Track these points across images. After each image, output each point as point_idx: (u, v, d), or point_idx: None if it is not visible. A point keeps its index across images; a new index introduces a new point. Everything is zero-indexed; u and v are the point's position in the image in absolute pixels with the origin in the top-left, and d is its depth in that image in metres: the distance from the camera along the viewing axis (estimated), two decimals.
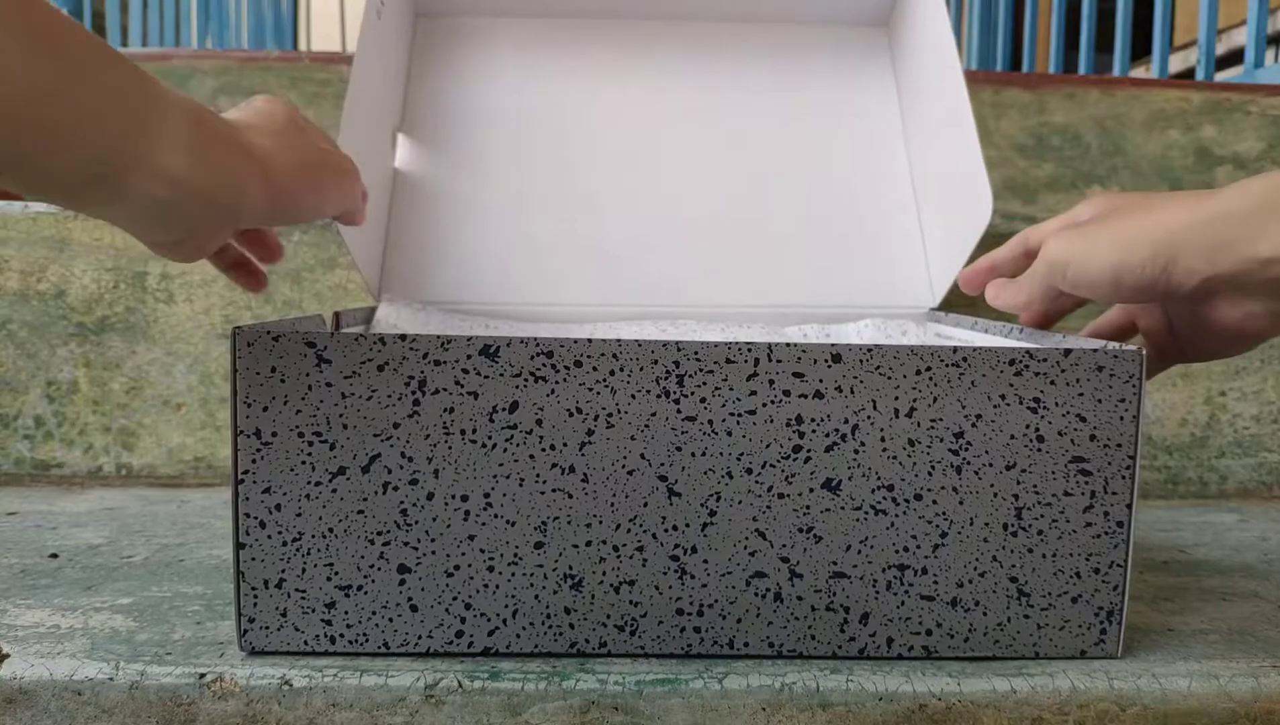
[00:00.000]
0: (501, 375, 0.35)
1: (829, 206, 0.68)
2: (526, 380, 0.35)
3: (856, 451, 0.36)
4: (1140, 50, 1.52)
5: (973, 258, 0.60)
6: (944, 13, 0.64)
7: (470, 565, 0.36)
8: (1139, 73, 1.95)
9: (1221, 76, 1.47)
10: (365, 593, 0.36)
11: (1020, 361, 0.36)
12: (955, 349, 0.36)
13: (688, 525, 0.36)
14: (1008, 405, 0.36)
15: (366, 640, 0.36)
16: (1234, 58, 1.51)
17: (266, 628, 0.36)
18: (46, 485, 0.65)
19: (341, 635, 0.36)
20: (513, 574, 0.36)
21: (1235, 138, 0.98)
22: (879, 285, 0.66)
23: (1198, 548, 0.55)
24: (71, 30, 0.28)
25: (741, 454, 0.36)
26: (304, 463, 0.35)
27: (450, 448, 0.35)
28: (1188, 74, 1.67)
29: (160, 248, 0.34)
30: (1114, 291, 0.38)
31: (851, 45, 0.74)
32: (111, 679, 0.34)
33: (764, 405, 0.35)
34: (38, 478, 0.66)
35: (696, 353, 0.35)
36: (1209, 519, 0.62)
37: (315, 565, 0.36)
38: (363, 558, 0.36)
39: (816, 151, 0.70)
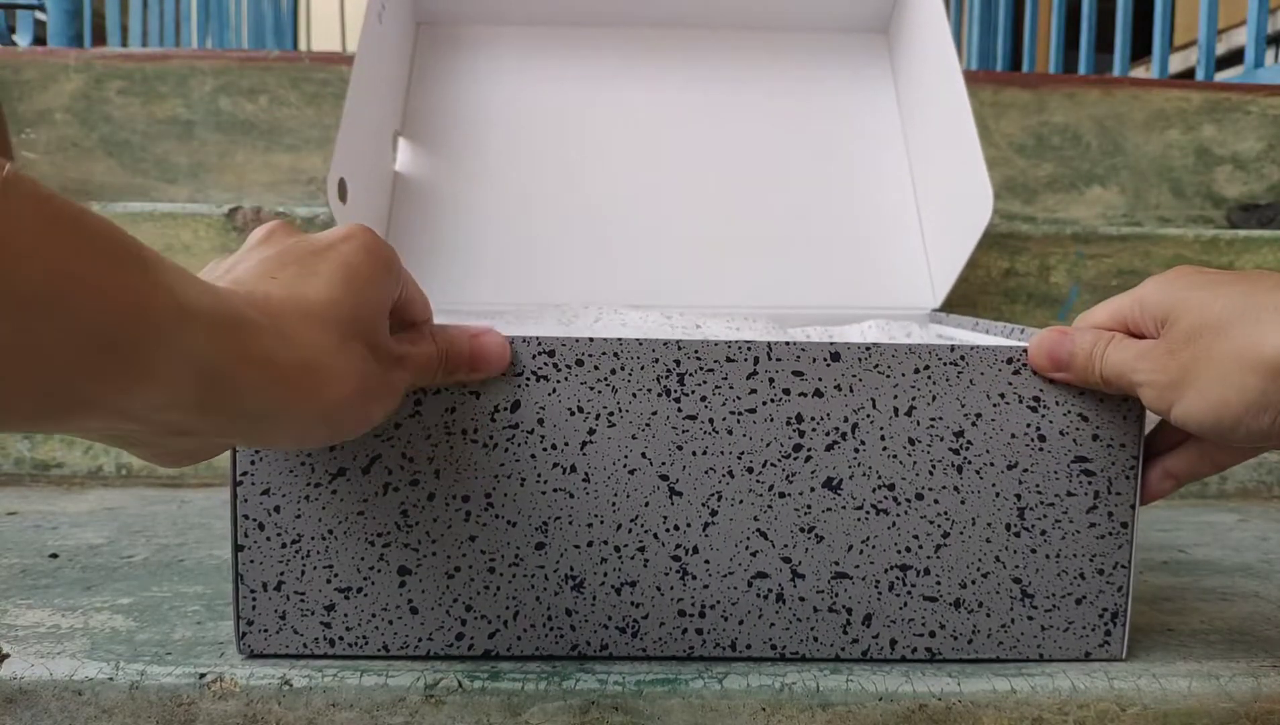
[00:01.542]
0: (503, 374, 0.35)
1: (829, 208, 0.68)
2: (528, 379, 0.35)
3: (857, 450, 0.36)
4: (1140, 50, 1.52)
5: (973, 257, 0.60)
6: (943, 18, 0.64)
7: (471, 567, 0.36)
8: (1139, 73, 1.95)
9: (1221, 76, 1.47)
10: (365, 595, 0.36)
11: (1018, 360, 0.36)
12: (953, 347, 0.36)
13: (689, 525, 0.36)
14: (1007, 404, 0.36)
15: (366, 643, 0.36)
16: (1234, 58, 1.51)
17: (265, 631, 0.36)
18: (46, 485, 0.65)
19: (341, 638, 0.36)
20: (514, 575, 0.36)
21: (1235, 138, 0.98)
22: (880, 286, 0.66)
23: (1198, 548, 0.55)
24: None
25: (742, 453, 0.36)
26: (303, 464, 0.35)
27: (451, 448, 0.35)
28: (1188, 74, 1.67)
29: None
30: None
31: (851, 50, 0.74)
32: (111, 679, 0.34)
33: (764, 403, 0.35)
34: (38, 478, 0.66)
35: (697, 351, 0.35)
36: (1209, 519, 0.62)
37: (315, 567, 0.36)
38: (363, 559, 0.36)
39: (817, 154, 0.70)
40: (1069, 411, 0.36)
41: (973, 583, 0.37)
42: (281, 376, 0.25)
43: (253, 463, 0.35)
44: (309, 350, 0.26)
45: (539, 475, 0.35)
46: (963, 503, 0.36)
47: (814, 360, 0.35)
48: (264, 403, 0.25)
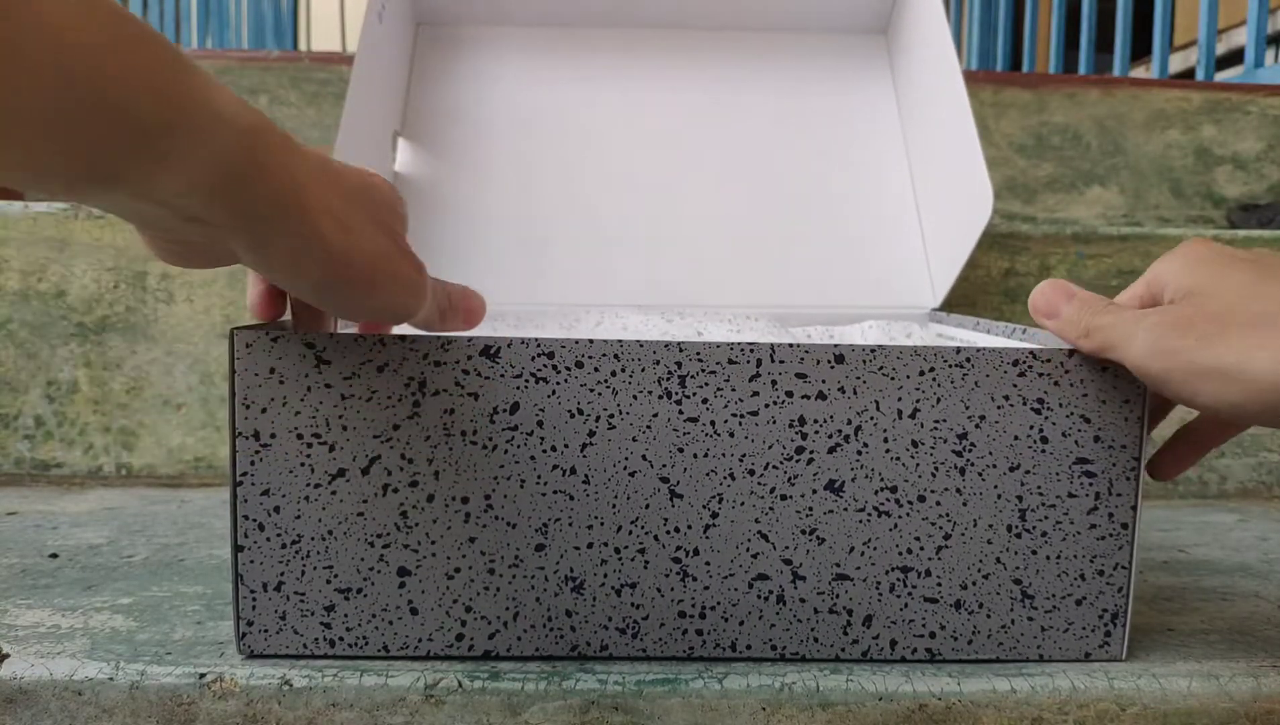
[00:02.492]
0: (502, 376, 0.35)
1: (829, 208, 0.68)
2: (527, 381, 0.35)
3: (860, 453, 0.36)
4: (1140, 50, 1.52)
5: (973, 257, 0.60)
6: (943, 18, 0.64)
7: (471, 568, 0.36)
8: (1139, 73, 1.95)
9: (1221, 76, 1.47)
10: (365, 595, 0.36)
11: (1024, 362, 0.36)
12: (959, 350, 0.35)
13: (689, 527, 0.36)
14: (1011, 406, 0.36)
15: (366, 643, 0.36)
16: (1234, 58, 1.51)
17: (265, 631, 0.36)
18: (46, 485, 0.65)
19: (341, 639, 0.36)
20: (514, 576, 0.36)
21: (1235, 138, 0.98)
22: (880, 286, 0.66)
23: (1198, 548, 0.55)
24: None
25: (744, 455, 0.36)
26: (303, 465, 0.35)
27: (451, 449, 0.35)
28: (1188, 74, 1.67)
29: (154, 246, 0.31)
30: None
31: (851, 52, 0.74)
32: (111, 679, 0.34)
33: (766, 406, 0.35)
34: (38, 478, 0.66)
35: (699, 353, 0.35)
36: (1209, 519, 0.62)
37: (314, 568, 0.35)
38: (362, 560, 0.36)
39: (817, 155, 0.70)
40: (1071, 413, 0.36)
41: (973, 584, 0.37)
42: (291, 184, 0.28)
43: (252, 463, 0.35)
44: (322, 181, 0.30)
45: (539, 477, 0.35)
46: (964, 504, 0.36)
47: (818, 362, 0.35)
48: (271, 206, 0.28)
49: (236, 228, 0.28)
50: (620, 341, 0.35)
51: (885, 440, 0.36)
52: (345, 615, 0.36)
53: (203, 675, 0.35)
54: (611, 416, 0.35)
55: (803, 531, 0.36)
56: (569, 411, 0.35)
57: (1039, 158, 0.95)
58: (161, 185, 0.26)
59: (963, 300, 0.71)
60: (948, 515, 0.36)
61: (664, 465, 0.35)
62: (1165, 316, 0.33)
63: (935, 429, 0.36)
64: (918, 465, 0.36)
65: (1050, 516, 0.36)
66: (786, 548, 0.36)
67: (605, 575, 0.36)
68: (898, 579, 0.36)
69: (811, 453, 0.36)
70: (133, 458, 0.66)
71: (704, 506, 0.36)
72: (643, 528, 0.36)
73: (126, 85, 0.24)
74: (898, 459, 0.36)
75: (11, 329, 0.66)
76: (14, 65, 0.22)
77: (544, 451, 0.35)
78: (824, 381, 0.35)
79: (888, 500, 0.36)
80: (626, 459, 0.35)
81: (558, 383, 0.35)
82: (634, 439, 0.35)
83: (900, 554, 0.36)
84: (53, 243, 0.66)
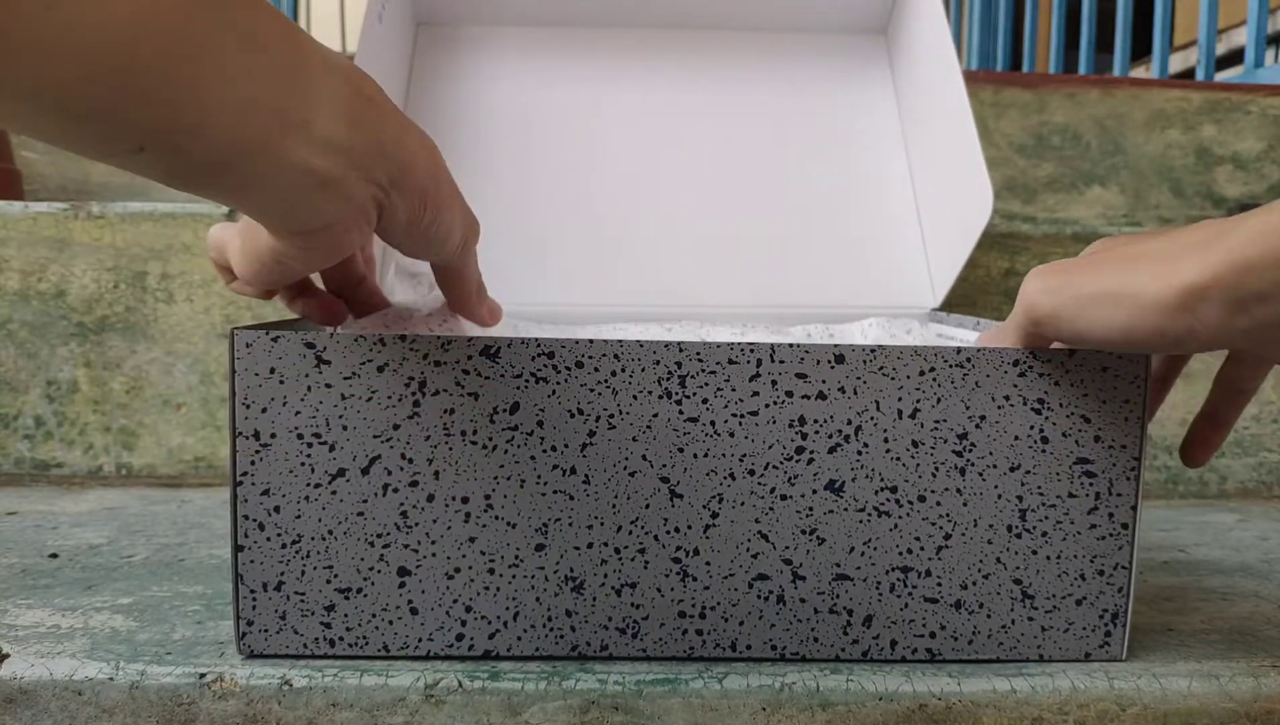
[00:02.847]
0: (502, 376, 0.35)
1: (829, 209, 0.68)
2: (527, 381, 0.35)
3: (860, 453, 0.36)
4: (1140, 50, 1.52)
5: (973, 257, 0.60)
6: (943, 19, 0.64)
7: (471, 568, 0.36)
8: (1139, 73, 1.95)
9: (1221, 76, 1.47)
10: (365, 595, 0.36)
11: (1024, 362, 0.36)
12: (959, 350, 0.35)
13: (690, 527, 0.36)
14: (1012, 406, 0.36)
15: (366, 643, 0.36)
16: (1234, 58, 1.51)
17: (265, 631, 0.36)
18: (46, 485, 0.65)
19: (341, 638, 0.36)
20: (514, 576, 0.36)
21: (1235, 138, 0.98)
22: (880, 286, 0.66)
23: (1198, 548, 0.55)
24: None
25: (744, 455, 0.36)
26: (303, 464, 0.35)
27: (451, 449, 0.35)
28: (1188, 74, 1.67)
29: (295, 243, 0.32)
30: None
31: (850, 51, 0.74)
32: (111, 679, 0.34)
33: (766, 406, 0.35)
34: (38, 478, 0.66)
35: (699, 353, 0.35)
36: (1209, 519, 0.62)
37: (314, 568, 0.35)
38: (362, 560, 0.36)
39: (817, 154, 0.70)
40: (1071, 413, 0.36)
41: (973, 584, 0.37)
42: (395, 116, 0.32)
43: (252, 463, 0.35)
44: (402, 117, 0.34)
45: (539, 477, 0.35)
46: (965, 504, 0.36)
47: (818, 362, 0.35)
48: (396, 130, 0.32)
49: (381, 154, 0.31)
50: (620, 342, 0.35)
51: (885, 440, 0.36)
52: (345, 615, 0.36)
53: (203, 675, 0.35)
54: (611, 416, 0.35)
55: (803, 531, 0.36)
56: (569, 411, 0.35)
57: (1039, 158, 0.95)
58: (319, 126, 0.29)
59: (963, 300, 0.71)
60: (948, 515, 0.36)
61: (664, 465, 0.35)
62: (1052, 264, 0.35)
63: (935, 429, 0.36)
64: (918, 465, 0.36)
65: (1050, 516, 0.36)
66: (787, 548, 0.36)
67: (605, 575, 0.36)
68: (898, 579, 0.36)
69: (812, 453, 0.36)
70: (133, 458, 0.66)
71: (704, 506, 0.36)
72: (643, 528, 0.36)
73: (278, 33, 0.28)
74: (898, 459, 0.36)
75: (11, 329, 0.66)
76: (249, 44, 0.26)
77: (544, 451, 0.35)
78: (824, 381, 0.35)
79: (888, 500, 0.36)
80: (626, 459, 0.35)
81: (558, 383, 0.35)
82: (634, 439, 0.35)
83: (900, 554, 0.36)
84: (53, 243, 0.66)
